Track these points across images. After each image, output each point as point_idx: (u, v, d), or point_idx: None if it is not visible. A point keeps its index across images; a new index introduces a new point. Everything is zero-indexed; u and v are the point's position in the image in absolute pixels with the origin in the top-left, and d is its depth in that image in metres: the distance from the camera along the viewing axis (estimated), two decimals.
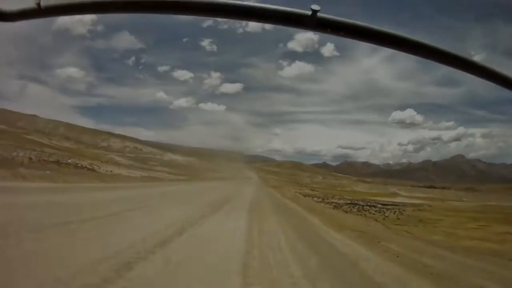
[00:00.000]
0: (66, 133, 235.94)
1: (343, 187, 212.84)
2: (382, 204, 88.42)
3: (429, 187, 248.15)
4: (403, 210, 70.90)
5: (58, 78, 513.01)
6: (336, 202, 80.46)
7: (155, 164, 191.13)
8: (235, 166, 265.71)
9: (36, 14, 1.41)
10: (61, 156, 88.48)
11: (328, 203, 74.91)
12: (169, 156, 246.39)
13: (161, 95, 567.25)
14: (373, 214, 59.10)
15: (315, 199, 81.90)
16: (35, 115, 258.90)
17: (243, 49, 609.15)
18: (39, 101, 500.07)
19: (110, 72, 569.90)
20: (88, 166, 74.03)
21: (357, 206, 73.35)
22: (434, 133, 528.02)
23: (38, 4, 1.33)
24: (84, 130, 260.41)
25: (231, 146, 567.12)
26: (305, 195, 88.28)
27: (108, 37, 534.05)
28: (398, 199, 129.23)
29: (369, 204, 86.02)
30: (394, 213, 62.50)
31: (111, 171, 73.13)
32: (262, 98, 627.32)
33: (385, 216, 55.63)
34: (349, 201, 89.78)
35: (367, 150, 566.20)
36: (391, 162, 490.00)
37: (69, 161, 73.76)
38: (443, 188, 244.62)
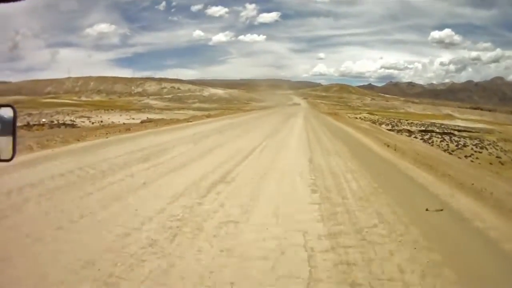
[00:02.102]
0: (97, 87, 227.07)
1: (396, 108, 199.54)
2: (457, 131, 76.56)
3: (475, 109, 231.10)
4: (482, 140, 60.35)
5: (89, 37, 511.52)
6: (408, 130, 66.66)
7: (194, 101, 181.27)
8: (280, 93, 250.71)
9: None
10: (77, 113, 78.85)
11: (399, 131, 61.12)
12: (209, 90, 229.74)
13: (198, 33, 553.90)
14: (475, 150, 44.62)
15: (383, 126, 66.53)
16: (65, 78, 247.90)
17: None
18: (73, 64, 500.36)
19: (142, 21, 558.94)
20: (93, 120, 62.27)
21: (438, 135, 59.16)
22: (473, 54, 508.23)
23: None
24: (116, 79, 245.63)
25: (276, 74, 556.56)
26: (368, 122, 71.20)
27: None
28: (459, 122, 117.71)
29: (445, 131, 71.99)
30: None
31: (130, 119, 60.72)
32: (301, 24, 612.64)
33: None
34: (422, 128, 76.09)
35: (410, 70, 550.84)
36: (434, 82, 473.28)
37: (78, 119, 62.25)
38: (489, 110, 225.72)
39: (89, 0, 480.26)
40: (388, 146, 22.51)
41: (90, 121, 57.98)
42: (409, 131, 63.60)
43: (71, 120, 60.81)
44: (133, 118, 59.70)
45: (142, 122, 42.03)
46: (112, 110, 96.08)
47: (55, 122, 55.11)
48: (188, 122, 38.65)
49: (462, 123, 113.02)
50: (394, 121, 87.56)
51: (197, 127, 31.45)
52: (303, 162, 15.26)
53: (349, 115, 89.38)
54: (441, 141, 49.82)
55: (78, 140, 18.96)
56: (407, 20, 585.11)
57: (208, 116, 52.99)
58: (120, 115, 70.72)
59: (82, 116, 67.15)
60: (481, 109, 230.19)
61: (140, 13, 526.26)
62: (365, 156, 19.35)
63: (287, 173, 12.94)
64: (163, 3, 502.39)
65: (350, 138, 28.24)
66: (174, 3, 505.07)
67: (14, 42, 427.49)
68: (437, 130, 72.21)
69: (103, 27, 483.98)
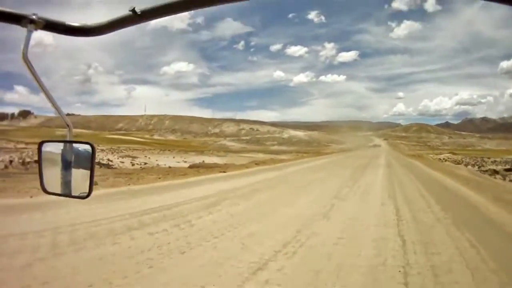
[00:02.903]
0: (172, 126, 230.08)
1: (473, 146, 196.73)
2: None
3: None
4: None
5: (167, 75, 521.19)
6: (493, 169, 61.50)
7: (273, 143, 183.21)
8: (361, 135, 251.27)
9: (133, 21, 1.37)
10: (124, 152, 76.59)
11: (485, 171, 55.71)
12: (289, 132, 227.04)
13: (278, 74, 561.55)
14: None
15: (468, 166, 65.40)
16: (139, 115, 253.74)
17: (351, 16, 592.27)
18: (149, 102, 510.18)
19: (221, 60, 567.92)
20: (139, 161, 56.10)
21: None
22: None
23: (133, 10, 1.33)
24: (193, 119, 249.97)
25: (356, 115, 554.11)
26: (454, 162, 70.13)
27: (212, 27, 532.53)
28: None
29: None
30: None
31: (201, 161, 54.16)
32: (379, 63, 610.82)
33: None
34: (508, 166, 70.00)
35: (483, 104, 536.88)
36: (505, 115, 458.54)
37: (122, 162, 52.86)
38: None
39: (166, 38, 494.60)
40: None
41: (132, 162, 52.17)
42: (494, 170, 59.85)
43: (108, 160, 52.89)
44: (185, 161, 55.98)
45: (190, 166, 39.74)
46: (184, 151, 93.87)
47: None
48: (247, 168, 33.70)
49: None
50: (478, 161, 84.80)
51: (255, 176, 26.18)
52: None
53: (431, 155, 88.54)
54: None
55: None
56: (477, 52, 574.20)
57: (280, 161, 48.80)
58: (174, 157, 67.39)
59: (127, 156, 64.15)
60: None
61: (219, 52, 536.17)
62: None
63: None
64: (242, 43, 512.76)
65: (455, 197, 19.69)
66: (252, 43, 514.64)
67: (87, 76, 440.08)
68: None
69: (181, 65, 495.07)
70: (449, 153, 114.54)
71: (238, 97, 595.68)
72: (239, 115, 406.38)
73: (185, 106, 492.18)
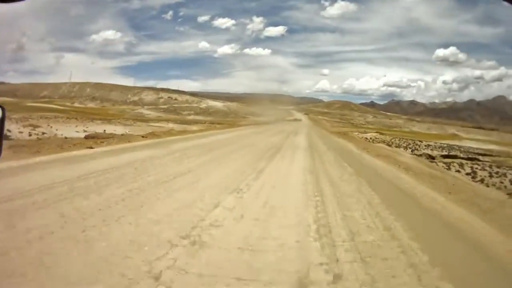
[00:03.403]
0: (93, 93, 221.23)
1: (400, 127, 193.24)
2: (478, 154, 69.96)
3: (478, 128, 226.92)
4: None
5: (94, 43, 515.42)
6: (429, 154, 57.59)
7: (190, 113, 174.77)
8: (281, 108, 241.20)
9: None
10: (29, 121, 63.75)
11: (420, 155, 52.28)
12: (207, 103, 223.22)
13: (203, 44, 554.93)
14: None
15: (401, 149, 57.93)
16: (62, 83, 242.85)
17: None
18: (76, 70, 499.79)
19: (148, 29, 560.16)
20: (41, 130, 50.52)
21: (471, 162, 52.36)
22: (477, 72, 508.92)
23: None
24: (113, 87, 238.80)
25: (279, 89, 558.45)
26: (384, 143, 62.97)
27: None
28: (468, 143, 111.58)
29: (470, 156, 64.76)
30: None
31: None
32: (307, 40, 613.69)
33: None
34: (443, 152, 67.61)
35: (413, 88, 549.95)
36: (437, 100, 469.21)
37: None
38: (492, 129, 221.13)
39: (99, 5, 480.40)
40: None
41: (30, 133, 45.43)
42: (430, 156, 55.46)
43: (8, 130, 43.56)
44: (85, 131, 47.35)
45: (86, 137, 32.13)
46: (92, 119, 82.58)
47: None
48: (129, 142, 26.34)
49: (474, 144, 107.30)
50: (410, 143, 79.29)
51: (158, 150, 21.60)
52: None
53: (356, 133, 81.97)
54: (489, 175, 40.00)
55: None
56: (412, 38, 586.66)
57: (183, 132, 43.25)
58: (76, 126, 59.73)
59: (31, 125, 54.56)
60: (484, 129, 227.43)
61: (148, 21, 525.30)
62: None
63: None
64: (170, 13, 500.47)
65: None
66: (181, 13, 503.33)
67: (20, 44, 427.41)
68: (461, 155, 64.54)
69: (109, 34, 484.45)
70: (375, 132, 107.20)
71: (162, 66, 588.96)
72: (161, 84, 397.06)
73: (109, 74, 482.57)
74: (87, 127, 57.03)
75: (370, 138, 74.28)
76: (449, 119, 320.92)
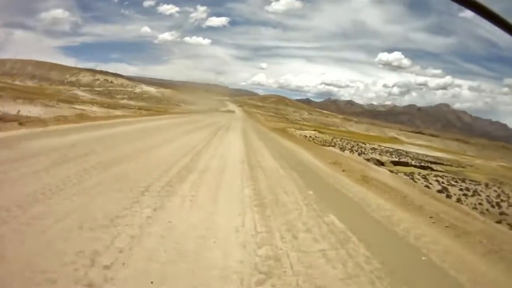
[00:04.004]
0: (33, 72, 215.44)
1: (337, 126, 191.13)
2: (426, 161, 68.59)
3: (417, 133, 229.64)
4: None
5: (43, 21, 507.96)
6: (378, 160, 53.67)
7: (123, 97, 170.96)
8: (216, 99, 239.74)
9: None
10: None
11: (368, 159, 44.71)
12: (141, 88, 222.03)
13: (145, 30, 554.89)
14: None
15: (346, 151, 50.76)
16: (6, 59, 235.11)
17: None
18: (24, 47, 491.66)
19: (95, 11, 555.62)
20: None
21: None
22: (420, 79, 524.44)
23: None
24: (53, 66, 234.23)
25: (215, 80, 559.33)
26: (327, 144, 57.11)
27: None
28: (411, 148, 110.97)
29: (422, 163, 62.84)
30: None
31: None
32: (248, 32, 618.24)
33: None
34: (392, 158, 62.91)
35: (351, 89, 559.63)
36: (375, 103, 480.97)
37: None
38: (432, 135, 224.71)
39: None
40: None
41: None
42: (379, 161, 51.84)
43: None
44: None
45: None
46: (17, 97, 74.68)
47: None
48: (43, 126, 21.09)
49: (418, 150, 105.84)
50: (353, 145, 72.44)
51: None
52: None
53: (292, 129, 73.47)
54: (463, 194, 35.81)
55: None
56: (356, 40, 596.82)
57: (95, 118, 33.51)
58: None
59: None
60: (423, 134, 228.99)
61: (96, 2, 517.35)
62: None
63: None
64: None
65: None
66: None
67: None
68: (413, 162, 62.18)
69: (58, 12, 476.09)
70: (313, 130, 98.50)
71: (104, 48, 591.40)
72: (101, 67, 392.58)
73: (54, 53, 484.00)
74: (2, 107, 47.90)
75: (310, 137, 66.99)
76: (387, 121, 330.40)
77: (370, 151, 65.78)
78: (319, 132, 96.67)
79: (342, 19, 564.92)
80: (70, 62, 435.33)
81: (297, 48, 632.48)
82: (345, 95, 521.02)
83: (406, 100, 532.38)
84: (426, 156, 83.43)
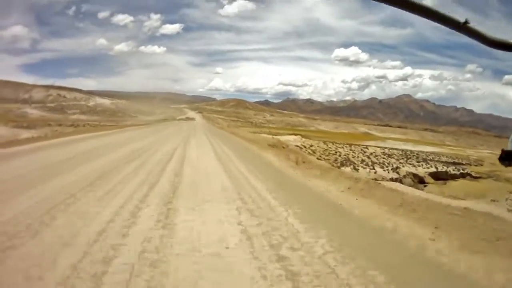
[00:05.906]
0: None
1: (305, 126, 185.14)
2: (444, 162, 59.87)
3: (385, 125, 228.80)
4: None
5: (3, 39, 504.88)
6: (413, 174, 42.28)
7: (75, 111, 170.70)
8: (174, 107, 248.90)
9: None
10: None
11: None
12: (95, 100, 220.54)
13: (101, 42, 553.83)
14: None
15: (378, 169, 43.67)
16: None
17: None
18: None
19: (52, 25, 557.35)
20: None
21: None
22: (379, 72, 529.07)
23: None
24: (5, 83, 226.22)
25: (171, 88, 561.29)
26: (335, 161, 48.21)
27: None
28: (392, 144, 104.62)
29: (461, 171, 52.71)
30: None
31: None
32: (202, 38, 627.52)
33: None
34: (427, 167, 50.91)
35: (310, 87, 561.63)
36: (334, 99, 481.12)
37: None
38: (399, 127, 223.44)
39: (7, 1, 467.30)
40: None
41: None
42: (417, 176, 42.05)
43: None
44: None
45: None
46: None
47: None
48: None
49: (405, 146, 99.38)
50: (362, 155, 59.71)
51: None
52: None
53: (265, 135, 60.42)
54: None
55: None
56: (311, 38, 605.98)
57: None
58: None
59: None
60: (391, 126, 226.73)
61: (52, 17, 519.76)
62: None
63: None
64: (73, 8, 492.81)
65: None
66: (83, 9, 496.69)
67: None
68: (451, 171, 52.14)
69: (18, 29, 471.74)
70: (293, 134, 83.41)
71: (61, 64, 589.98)
72: (60, 82, 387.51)
73: (14, 71, 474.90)
74: None
75: (304, 146, 53.83)
76: (349, 117, 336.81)
77: (384, 158, 53.79)
78: (304, 137, 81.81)
79: (296, 18, 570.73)
80: (29, 79, 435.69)
81: (252, 50, 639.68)
82: (303, 93, 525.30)
83: (366, 94, 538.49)
84: (429, 154, 73.31)
